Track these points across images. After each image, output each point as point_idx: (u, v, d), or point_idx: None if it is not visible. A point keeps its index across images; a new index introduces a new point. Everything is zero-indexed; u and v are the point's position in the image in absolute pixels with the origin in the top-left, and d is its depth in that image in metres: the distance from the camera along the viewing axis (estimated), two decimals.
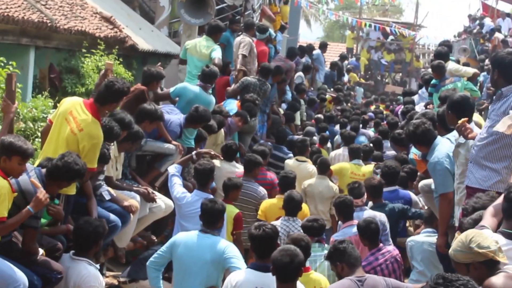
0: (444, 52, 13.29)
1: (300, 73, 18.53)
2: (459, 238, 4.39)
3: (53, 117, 7.16)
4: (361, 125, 16.05)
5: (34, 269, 5.86)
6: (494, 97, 6.72)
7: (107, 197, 7.55)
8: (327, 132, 15.30)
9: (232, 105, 12.12)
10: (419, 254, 7.77)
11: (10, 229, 5.75)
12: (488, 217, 4.98)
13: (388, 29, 33.95)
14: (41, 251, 5.98)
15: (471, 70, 13.63)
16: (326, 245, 7.22)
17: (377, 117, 18.76)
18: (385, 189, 9.00)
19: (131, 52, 14.22)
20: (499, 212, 5.03)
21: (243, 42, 13.45)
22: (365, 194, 8.73)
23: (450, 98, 7.34)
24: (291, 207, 8.19)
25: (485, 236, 4.39)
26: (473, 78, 13.43)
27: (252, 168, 9.39)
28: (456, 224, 6.81)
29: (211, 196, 7.72)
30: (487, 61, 21.11)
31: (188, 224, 7.46)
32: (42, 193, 5.75)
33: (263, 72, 13.08)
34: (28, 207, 5.69)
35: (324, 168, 10.63)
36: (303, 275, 5.80)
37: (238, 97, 12.47)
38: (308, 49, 20.60)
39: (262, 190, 9.33)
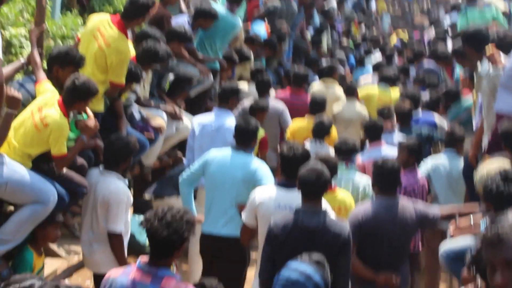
0: None
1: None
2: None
3: (82, 34, 7.18)
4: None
5: (61, 183, 5.97)
6: None
7: (138, 116, 7.60)
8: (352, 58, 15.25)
9: (260, 27, 12.04)
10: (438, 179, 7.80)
11: (70, 161, 6.05)
12: None
13: None
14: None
15: (502, 6, 13.41)
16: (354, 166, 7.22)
17: (403, 45, 18.58)
18: None
19: None
20: None
21: None
22: (395, 118, 8.72)
23: (464, 32, 7.30)
24: (320, 131, 8.22)
25: None
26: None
27: (263, 88, 9.43)
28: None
29: (231, 113, 7.76)
30: None
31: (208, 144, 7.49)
32: (91, 121, 5.85)
33: None
34: (81, 136, 5.82)
35: (351, 91, 10.58)
36: (328, 194, 5.85)
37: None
38: None
39: (283, 110, 9.31)
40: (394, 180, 5.88)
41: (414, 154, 7.48)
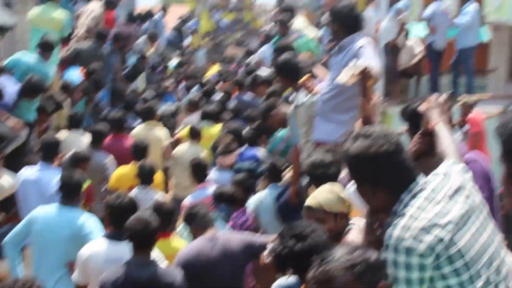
0: (290, 7, 13.44)
1: (143, 38, 18.24)
2: (326, 189, 4.46)
3: None
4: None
5: None
6: (334, 50, 6.86)
7: None
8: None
9: (74, 75, 11.84)
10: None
11: None
12: None
13: None
14: None
15: (313, 33, 13.91)
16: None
17: (221, 77, 18.74)
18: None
19: None
20: None
21: (94, 11, 13.26)
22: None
23: (276, 62, 7.44)
24: (145, 176, 8.12)
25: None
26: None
27: (96, 138, 9.25)
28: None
29: (57, 170, 7.53)
30: (323, 17, 21.57)
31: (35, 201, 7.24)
32: None
33: (98, 36, 12.95)
34: None
35: (194, 134, 10.37)
36: (163, 241, 5.79)
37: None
38: (148, 15, 20.36)
39: (107, 161, 9.14)
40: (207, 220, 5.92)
41: (248, 191, 7.55)
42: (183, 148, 10.23)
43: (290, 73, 7.10)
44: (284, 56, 7.44)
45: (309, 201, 4.42)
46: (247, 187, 7.58)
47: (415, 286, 2.89)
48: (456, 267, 2.90)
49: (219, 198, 7.06)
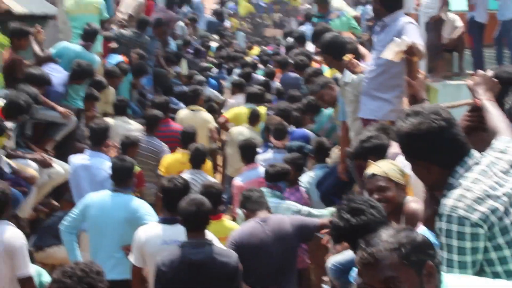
0: None
1: (181, 23, 18.37)
2: (387, 162, 4.55)
3: None
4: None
5: None
6: (376, 28, 6.87)
7: (7, 170, 7.38)
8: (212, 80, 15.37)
9: (115, 60, 12.00)
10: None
11: None
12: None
13: None
14: None
15: (352, 12, 13.83)
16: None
17: (262, 58, 18.76)
18: None
19: (7, 17, 13.71)
20: None
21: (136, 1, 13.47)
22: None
23: (321, 41, 7.42)
24: (197, 159, 8.15)
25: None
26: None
27: (152, 123, 9.33)
28: None
29: (106, 156, 7.67)
30: None
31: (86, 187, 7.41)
32: None
33: (140, 24, 13.07)
34: None
35: (254, 117, 10.39)
36: (215, 223, 5.89)
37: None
38: None
39: (162, 145, 9.23)
40: (258, 203, 6.03)
41: (299, 169, 7.62)
42: (241, 130, 10.24)
43: (336, 51, 7.10)
44: (330, 34, 7.47)
45: (374, 169, 4.47)
46: (298, 166, 7.63)
47: (468, 256, 2.93)
48: (510, 239, 2.94)
49: (274, 176, 7.07)
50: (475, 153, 3.13)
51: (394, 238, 2.59)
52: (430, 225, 3.36)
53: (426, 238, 2.64)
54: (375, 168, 4.48)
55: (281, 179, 7.03)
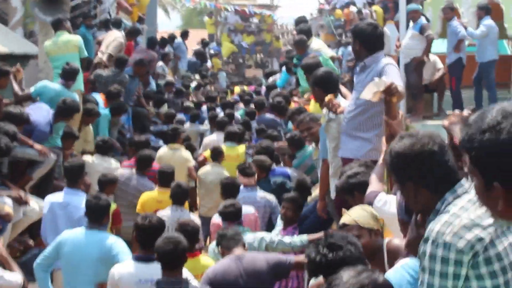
0: (306, 28, 13.45)
1: (161, 63, 18.45)
2: (358, 207, 4.55)
3: None
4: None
5: None
6: (356, 69, 6.89)
7: None
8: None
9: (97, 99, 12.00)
10: None
11: None
12: (375, 183, 5.10)
13: (247, 10, 34.18)
14: None
15: (330, 53, 13.90)
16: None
17: (243, 98, 18.84)
18: None
19: None
20: (381, 177, 5.18)
21: (117, 40, 13.46)
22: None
23: (314, 74, 7.40)
24: (179, 196, 8.05)
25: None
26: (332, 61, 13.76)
27: (144, 163, 9.35)
28: (332, 196, 6.99)
29: (83, 193, 7.60)
30: (344, 36, 21.63)
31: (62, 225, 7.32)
32: None
33: (118, 63, 13.12)
34: None
35: (217, 155, 10.36)
36: (191, 260, 5.83)
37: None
38: (170, 39, 20.59)
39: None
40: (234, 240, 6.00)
41: (300, 209, 7.60)
42: (207, 170, 10.26)
43: (328, 86, 7.08)
44: (324, 68, 7.52)
45: (344, 219, 4.52)
46: (299, 206, 7.61)
47: (450, 281, 2.91)
48: (493, 269, 2.91)
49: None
50: (465, 182, 3.13)
51: (356, 279, 2.59)
52: (412, 248, 3.37)
53: (387, 280, 2.64)
54: (346, 217, 4.52)
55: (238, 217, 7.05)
